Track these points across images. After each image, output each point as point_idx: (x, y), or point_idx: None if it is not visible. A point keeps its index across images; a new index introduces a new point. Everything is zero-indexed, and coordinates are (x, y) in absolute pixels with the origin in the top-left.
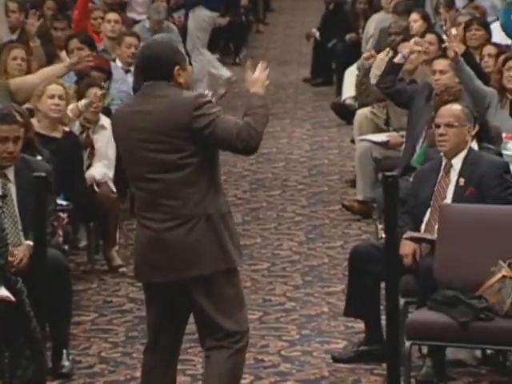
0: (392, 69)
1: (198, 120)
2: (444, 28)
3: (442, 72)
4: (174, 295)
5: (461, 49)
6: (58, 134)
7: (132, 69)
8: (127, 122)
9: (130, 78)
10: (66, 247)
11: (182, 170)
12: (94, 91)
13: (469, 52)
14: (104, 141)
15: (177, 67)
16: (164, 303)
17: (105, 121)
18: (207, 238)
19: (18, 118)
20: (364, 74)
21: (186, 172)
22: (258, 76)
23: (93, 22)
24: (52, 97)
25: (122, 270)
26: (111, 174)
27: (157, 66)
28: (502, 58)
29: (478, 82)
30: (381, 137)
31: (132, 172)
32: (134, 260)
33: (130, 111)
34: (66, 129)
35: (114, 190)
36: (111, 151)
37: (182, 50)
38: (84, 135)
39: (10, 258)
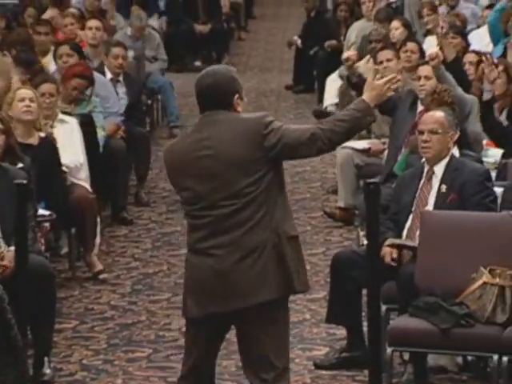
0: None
1: (269, 137)
2: (423, 32)
3: (426, 78)
4: (224, 327)
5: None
6: (34, 141)
7: (121, 79)
8: (191, 152)
9: (120, 89)
10: (48, 254)
11: (252, 192)
12: (45, 87)
13: (458, 57)
14: (66, 132)
15: (236, 96)
16: (211, 337)
17: (64, 117)
18: (274, 264)
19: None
20: (346, 84)
21: (256, 194)
22: (380, 84)
23: (64, 29)
24: (22, 100)
25: (102, 276)
26: (81, 159)
27: (217, 96)
28: (482, 65)
29: (459, 90)
30: (362, 144)
31: (199, 201)
32: (186, 292)
33: (192, 141)
34: (42, 134)
35: (90, 190)
36: (76, 142)
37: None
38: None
39: None
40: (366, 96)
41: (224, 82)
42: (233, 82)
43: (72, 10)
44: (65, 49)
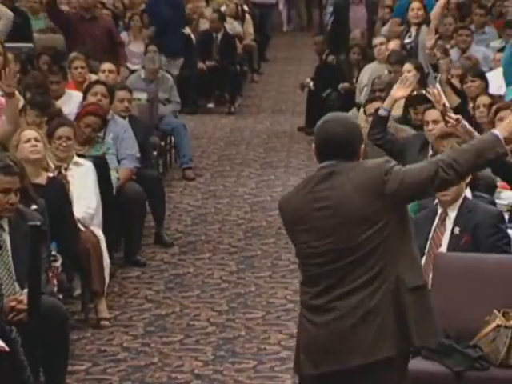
0: (378, 121)
1: (390, 183)
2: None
3: (434, 122)
4: None
5: (453, 100)
6: (42, 181)
7: (127, 122)
8: (308, 203)
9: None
10: (61, 296)
11: (372, 244)
12: (63, 130)
13: (462, 103)
14: (81, 175)
15: (362, 146)
16: None
17: (79, 159)
18: (393, 318)
19: (15, 168)
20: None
21: (376, 245)
22: None
23: (73, 71)
24: (28, 141)
25: (103, 323)
26: (93, 206)
27: (348, 145)
28: (493, 108)
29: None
30: None
31: (315, 256)
32: (300, 348)
33: (309, 192)
34: (50, 174)
35: (98, 234)
36: (91, 187)
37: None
38: (56, 172)
39: (5, 309)
40: (498, 128)
41: (355, 131)
42: (360, 130)
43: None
44: (100, 88)
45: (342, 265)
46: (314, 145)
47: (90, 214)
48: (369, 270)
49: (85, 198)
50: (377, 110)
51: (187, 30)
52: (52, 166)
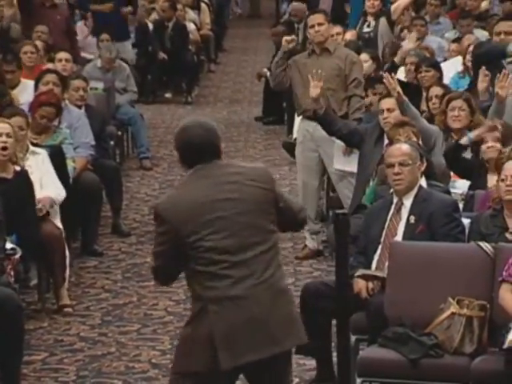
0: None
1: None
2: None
3: (389, 110)
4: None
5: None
6: (8, 175)
7: (82, 111)
8: (207, 197)
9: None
10: (17, 286)
11: (273, 235)
12: (15, 120)
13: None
14: (39, 164)
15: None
16: None
17: (35, 148)
18: (295, 310)
19: None
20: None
21: (275, 238)
22: None
23: (23, 55)
24: None
25: (67, 309)
26: (63, 192)
27: (214, 146)
28: (445, 98)
29: (424, 122)
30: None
31: (225, 249)
32: (210, 346)
33: (205, 188)
34: (17, 168)
35: (60, 226)
36: (53, 174)
37: None
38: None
39: None
40: None
41: (216, 132)
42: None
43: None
44: (51, 77)
45: (251, 255)
46: (177, 152)
47: (62, 196)
48: (273, 260)
49: (51, 183)
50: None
51: (142, 18)
52: (20, 158)
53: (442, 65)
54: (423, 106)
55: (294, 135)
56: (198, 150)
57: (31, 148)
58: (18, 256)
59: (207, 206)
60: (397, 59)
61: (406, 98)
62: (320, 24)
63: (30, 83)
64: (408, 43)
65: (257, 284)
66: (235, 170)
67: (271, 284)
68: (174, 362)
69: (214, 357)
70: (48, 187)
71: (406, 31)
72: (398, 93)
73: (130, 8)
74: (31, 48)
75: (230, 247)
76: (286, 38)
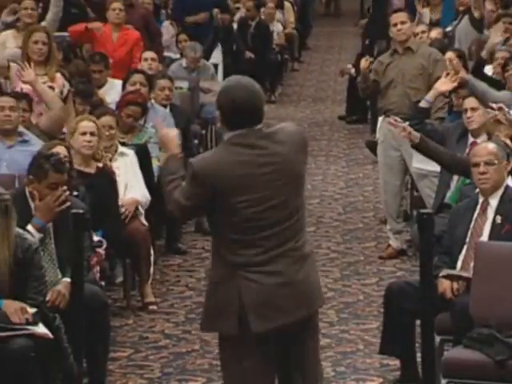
0: (418, 112)
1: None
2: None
3: (473, 109)
4: (284, 344)
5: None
6: (91, 170)
7: (168, 110)
8: (249, 166)
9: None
10: (103, 283)
11: (303, 205)
12: (105, 119)
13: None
14: (127, 166)
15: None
16: (276, 354)
17: (124, 149)
18: (316, 273)
19: (66, 165)
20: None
21: (304, 206)
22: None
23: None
24: (84, 134)
25: (152, 307)
26: (148, 195)
27: (260, 110)
28: None
29: (495, 93)
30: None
31: (255, 218)
32: (241, 310)
33: (246, 154)
34: (100, 164)
35: (146, 223)
36: (139, 177)
37: None
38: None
39: (48, 296)
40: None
41: (259, 94)
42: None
43: None
44: (139, 77)
45: (284, 227)
46: (219, 112)
47: (147, 198)
48: (303, 233)
49: (137, 186)
50: (417, 101)
51: (227, 17)
52: (104, 156)
53: None
54: None
55: (377, 134)
56: (240, 113)
57: (120, 149)
58: (103, 248)
59: (252, 178)
60: (484, 54)
61: (469, 77)
62: (403, 22)
63: (117, 83)
64: (493, 37)
65: (285, 251)
66: (279, 138)
67: (297, 250)
68: (203, 320)
69: (245, 321)
70: (134, 190)
71: (491, 29)
72: (460, 77)
73: (226, 15)
74: (120, 5)
75: (269, 219)
76: (363, 60)
